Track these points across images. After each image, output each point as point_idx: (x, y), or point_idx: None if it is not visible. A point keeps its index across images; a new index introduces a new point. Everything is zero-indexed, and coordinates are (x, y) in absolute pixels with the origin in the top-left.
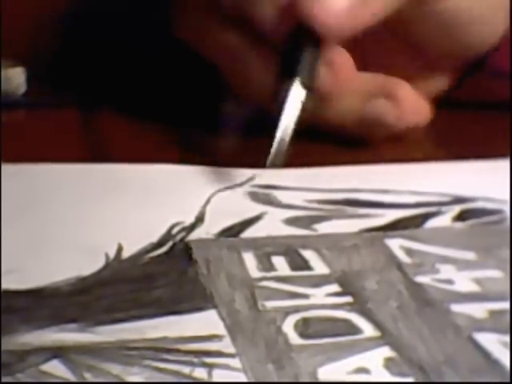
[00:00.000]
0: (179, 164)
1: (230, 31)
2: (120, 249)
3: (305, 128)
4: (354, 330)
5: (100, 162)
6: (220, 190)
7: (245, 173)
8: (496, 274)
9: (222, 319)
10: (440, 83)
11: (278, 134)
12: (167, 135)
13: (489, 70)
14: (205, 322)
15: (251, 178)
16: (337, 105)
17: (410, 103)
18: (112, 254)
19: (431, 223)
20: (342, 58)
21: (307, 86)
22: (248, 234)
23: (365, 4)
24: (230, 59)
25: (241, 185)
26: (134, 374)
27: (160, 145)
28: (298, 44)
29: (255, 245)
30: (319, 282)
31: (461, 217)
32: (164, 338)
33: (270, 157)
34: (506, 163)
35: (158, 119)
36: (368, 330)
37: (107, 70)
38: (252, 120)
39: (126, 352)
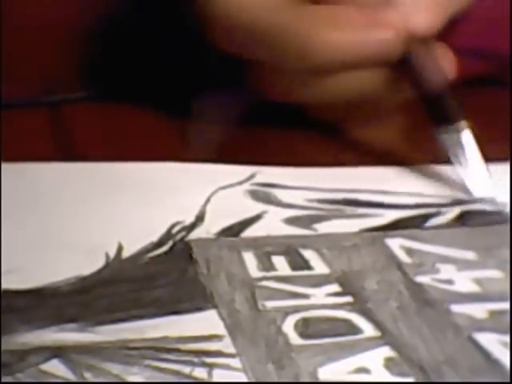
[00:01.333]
0: (179, 162)
1: None
2: (120, 248)
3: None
4: (354, 329)
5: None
6: (220, 189)
7: (245, 171)
8: (496, 274)
9: (222, 319)
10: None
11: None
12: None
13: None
14: (205, 322)
15: (251, 177)
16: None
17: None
18: (112, 254)
19: (431, 223)
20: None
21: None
22: (248, 233)
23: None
24: None
25: (241, 183)
26: (134, 374)
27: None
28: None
29: (255, 244)
30: (319, 281)
31: (460, 218)
32: (164, 338)
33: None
34: (506, 167)
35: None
36: (368, 329)
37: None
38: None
39: (126, 352)
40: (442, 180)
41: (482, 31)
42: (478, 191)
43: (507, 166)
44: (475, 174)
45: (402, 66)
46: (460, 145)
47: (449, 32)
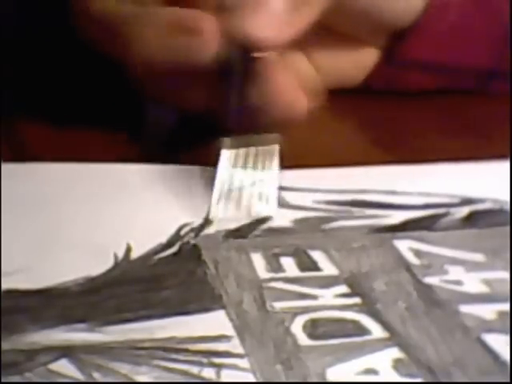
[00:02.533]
0: (186, 165)
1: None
2: (129, 249)
3: None
4: (362, 330)
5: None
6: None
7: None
8: (504, 275)
9: (231, 320)
10: (369, 56)
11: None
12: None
13: (401, 60)
14: (213, 323)
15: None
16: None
17: (212, 34)
18: (121, 255)
19: (440, 225)
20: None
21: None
22: (256, 234)
23: (296, 12)
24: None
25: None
26: (143, 374)
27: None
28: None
29: (264, 245)
30: (328, 282)
31: (470, 218)
32: (172, 338)
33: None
34: (506, 164)
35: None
36: (376, 330)
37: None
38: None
39: (134, 352)
40: (452, 178)
41: (428, 44)
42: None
43: (507, 165)
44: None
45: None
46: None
47: (400, 45)
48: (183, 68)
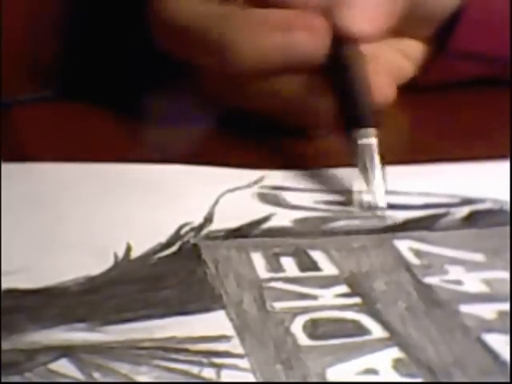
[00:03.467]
0: (187, 164)
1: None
2: (129, 249)
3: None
4: (362, 330)
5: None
6: (229, 191)
7: (253, 174)
8: (505, 275)
9: (231, 320)
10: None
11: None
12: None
13: (453, 50)
14: (213, 323)
15: (260, 179)
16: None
17: (324, 31)
18: (121, 254)
19: (440, 225)
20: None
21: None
22: (257, 234)
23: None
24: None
25: (249, 186)
26: (143, 374)
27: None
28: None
29: (264, 245)
30: (328, 282)
31: (470, 218)
32: (173, 338)
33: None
34: (506, 164)
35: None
36: (377, 330)
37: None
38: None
39: (134, 351)
40: (452, 179)
41: (478, 34)
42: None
43: (507, 165)
44: (373, 182)
45: (327, 69)
46: (365, 150)
47: (445, 35)
48: (293, 67)
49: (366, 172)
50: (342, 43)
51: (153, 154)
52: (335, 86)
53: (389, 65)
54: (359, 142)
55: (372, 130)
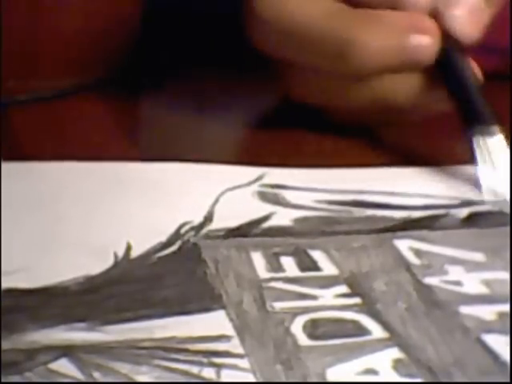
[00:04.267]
0: (188, 163)
1: None
2: (129, 248)
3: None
4: (362, 331)
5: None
6: (229, 190)
7: (253, 172)
8: (504, 275)
9: (231, 320)
10: None
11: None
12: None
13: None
14: (213, 323)
15: (260, 178)
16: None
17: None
18: (121, 254)
19: (440, 224)
20: None
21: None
22: (257, 234)
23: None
24: None
25: (249, 184)
26: (143, 374)
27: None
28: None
29: (264, 245)
30: (328, 282)
31: (470, 218)
32: (173, 338)
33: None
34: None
35: None
36: (377, 331)
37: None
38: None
39: (134, 351)
40: (452, 181)
41: (492, 27)
42: (493, 195)
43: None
44: (501, 179)
45: (436, 70)
46: (491, 148)
47: None
48: (406, 68)
49: (493, 169)
50: (448, 44)
51: (153, 153)
52: (449, 86)
53: None
54: (486, 139)
55: (496, 127)
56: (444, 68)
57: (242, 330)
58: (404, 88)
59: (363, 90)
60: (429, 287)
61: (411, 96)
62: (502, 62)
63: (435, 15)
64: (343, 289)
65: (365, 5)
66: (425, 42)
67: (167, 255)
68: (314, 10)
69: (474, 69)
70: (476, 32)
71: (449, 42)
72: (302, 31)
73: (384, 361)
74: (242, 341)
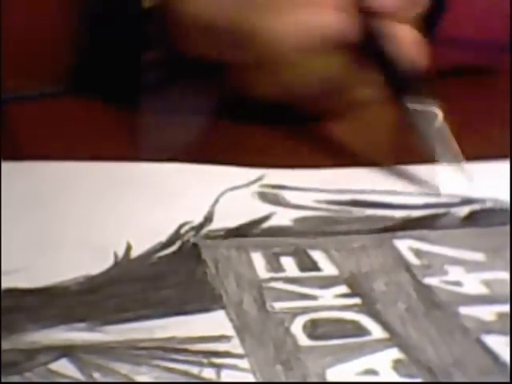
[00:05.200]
0: (188, 163)
1: None
2: (129, 248)
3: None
4: (362, 331)
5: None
6: (228, 190)
7: (253, 173)
8: (504, 275)
9: (231, 320)
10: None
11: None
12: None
13: (442, 37)
14: (213, 323)
15: (260, 179)
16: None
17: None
18: (121, 254)
19: (440, 223)
20: None
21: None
22: (256, 234)
23: None
24: None
25: (249, 185)
26: (143, 374)
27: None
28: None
29: (264, 245)
30: (328, 283)
31: (470, 217)
32: (172, 338)
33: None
34: (506, 164)
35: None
36: (376, 331)
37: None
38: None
39: (134, 352)
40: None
41: (463, 20)
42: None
43: (507, 165)
44: (443, 147)
45: (366, 47)
46: (423, 116)
47: (433, 22)
48: (327, 46)
49: (426, 138)
50: (368, 20)
51: (153, 152)
52: (377, 61)
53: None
54: (415, 107)
55: (426, 95)
56: (370, 45)
57: (241, 330)
58: (333, 68)
59: (292, 75)
60: (429, 287)
61: (342, 76)
62: (465, 55)
63: None
64: (343, 289)
65: None
66: (339, 18)
67: (167, 255)
68: (224, 4)
69: (412, 52)
70: (395, 5)
71: (369, 19)
72: (213, 25)
73: (384, 361)
74: (242, 341)
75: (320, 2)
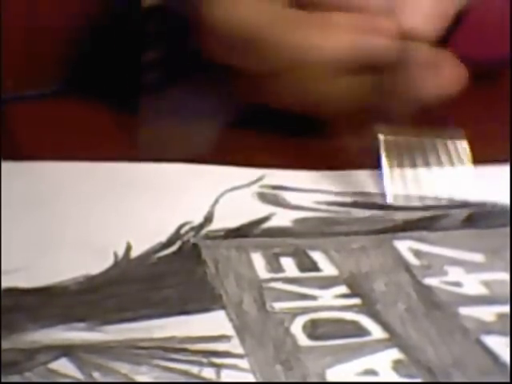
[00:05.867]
0: (188, 163)
1: None
2: (129, 248)
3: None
4: (362, 331)
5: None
6: (228, 191)
7: (254, 173)
8: (504, 276)
9: (231, 320)
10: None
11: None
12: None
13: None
14: (213, 323)
15: (260, 179)
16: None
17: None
18: (121, 253)
19: (440, 225)
20: None
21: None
22: (256, 234)
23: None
24: None
25: (249, 185)
26: (143, 374)
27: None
28: None
29: (264, 245)
30: (328, 283)
31: (470, 219)
32: (172, 338)
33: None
34: (506, 168)
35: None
36: (376, 331)
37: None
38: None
39: (134, 351)
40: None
41: (469, 39)
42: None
43: (507, 168)
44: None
45: (396, 70)
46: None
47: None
48: (364, 68)
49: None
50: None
51: (153, 152)
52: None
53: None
54: (380, 137)
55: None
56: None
57: (241, 330)
58: (363, 88)
59: (323, 90)
60: (428, 288)
61: (370, 97)
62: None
63: (390, 16)
64: (343, 289)
65: (316, 8)
66: (378, 42)
67: (167, 255)
68: (264, 16)
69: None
70: (431, 29)
71: (408, 41)
72: (253, 38)
73: (384, 361)
74: (242, 341)
75: (360, 25)
